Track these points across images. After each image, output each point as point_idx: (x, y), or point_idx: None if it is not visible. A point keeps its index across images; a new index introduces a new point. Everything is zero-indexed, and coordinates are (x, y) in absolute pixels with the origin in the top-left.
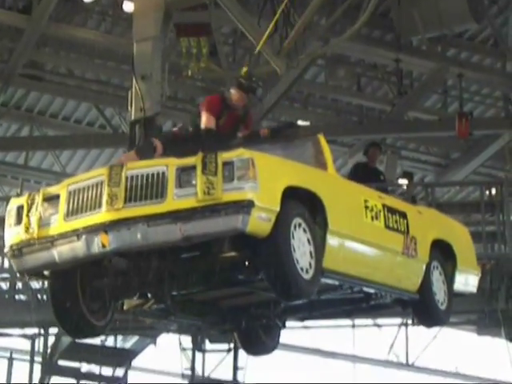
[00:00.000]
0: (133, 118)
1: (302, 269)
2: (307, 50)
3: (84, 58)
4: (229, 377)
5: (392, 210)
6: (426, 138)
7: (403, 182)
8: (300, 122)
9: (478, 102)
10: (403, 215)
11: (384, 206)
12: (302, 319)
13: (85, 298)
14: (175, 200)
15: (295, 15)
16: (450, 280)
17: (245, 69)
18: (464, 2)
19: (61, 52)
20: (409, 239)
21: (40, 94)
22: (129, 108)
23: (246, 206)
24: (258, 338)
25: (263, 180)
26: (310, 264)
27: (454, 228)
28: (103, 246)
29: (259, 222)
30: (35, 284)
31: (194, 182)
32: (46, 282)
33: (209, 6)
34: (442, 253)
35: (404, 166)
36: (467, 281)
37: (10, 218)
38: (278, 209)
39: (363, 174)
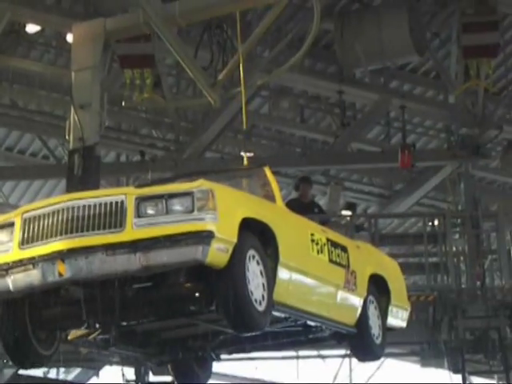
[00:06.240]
0: (71, 147)
1: (255, 300)
2: (249, 82)
3: (27, 89)
4: None
5: (335, 244)
6: (369, 170)
7: (346, 213)
8: (243, 154)
9: (421, 133)
10: (344, 249)
11: (328, 239)
12: (235, 352)
13: (33, 327)
14: (134, 229)
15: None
16: (383, 314)
17: None
18: (406, 34)
19: (3, 83)
20: (349, 273)
21: None
22: (67, 137)
23: (205, 237)
24: (192, 370)
25: (222, 211)
26: (263, 296)
27: (387, 263)
28: (60, 274)
29: (218, 253)
30: None
31: (152, 212)
32: None
33: (152, 37)
34: (377, 287)
35: (347, 196)
36: (399, 315)
37: None
38: (235, 240)
39: (297, 210)
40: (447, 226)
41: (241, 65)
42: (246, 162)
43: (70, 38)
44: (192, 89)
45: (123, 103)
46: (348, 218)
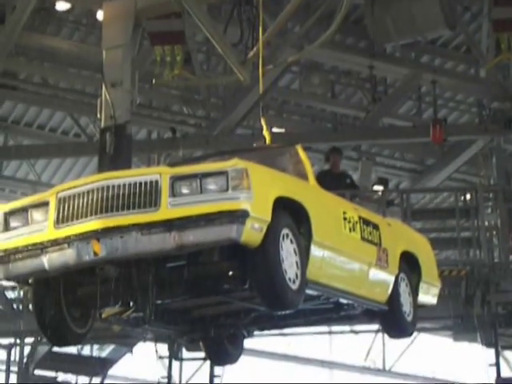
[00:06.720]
0: (103, 125)
1: (289, 279)
2: (280, 58)
3: (58, 66)
4: None
5: (366, 222)
6: (400, 145)
7: (378, 188)
8: (275, 130)
9: (452, 108)
10: (376, 227)
11: (360, 217)
12: (267, 329)
13: (68, 306)
14: (169, 209)
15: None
16: (414, 292)
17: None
18: (437, 8)
19: (34, 61)
20: (381, 251)
21: (14, 103)
22: (98, 115)
23: (240, 216)
24: (223, 348)
25: (256, 190)
26: (297, 274)
27: (418, 240)
28: (95, 253)
29: (252, 232)
30: (10, 294)
31: (187, 192)
32: (21, 292)
33: (182, 14)
34: (408, 264)
35: (379, 172)
36: (430, 292)
37: None
38: (269, 219)
39: (328, 182)
40: (479, 201)
41: (260, 43)
42: (263, 122)
43: (100, 15)
44: (223, 65)
45: (154, 81)
46: (380, 194)
